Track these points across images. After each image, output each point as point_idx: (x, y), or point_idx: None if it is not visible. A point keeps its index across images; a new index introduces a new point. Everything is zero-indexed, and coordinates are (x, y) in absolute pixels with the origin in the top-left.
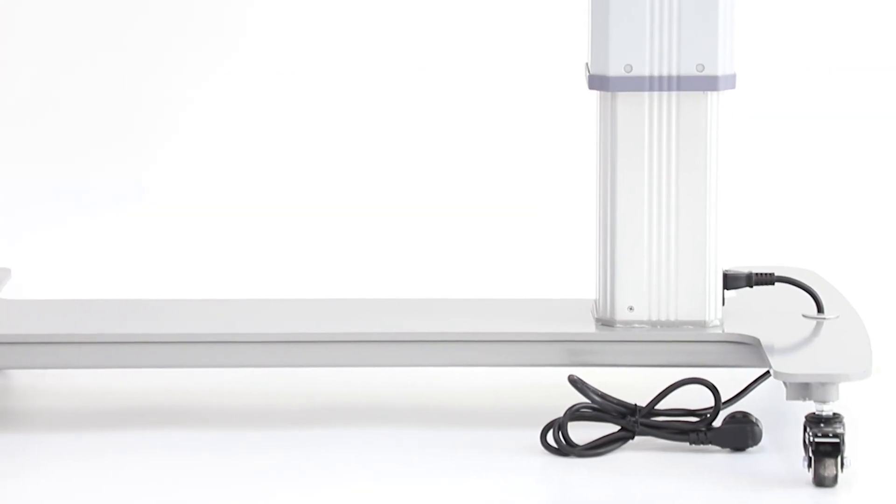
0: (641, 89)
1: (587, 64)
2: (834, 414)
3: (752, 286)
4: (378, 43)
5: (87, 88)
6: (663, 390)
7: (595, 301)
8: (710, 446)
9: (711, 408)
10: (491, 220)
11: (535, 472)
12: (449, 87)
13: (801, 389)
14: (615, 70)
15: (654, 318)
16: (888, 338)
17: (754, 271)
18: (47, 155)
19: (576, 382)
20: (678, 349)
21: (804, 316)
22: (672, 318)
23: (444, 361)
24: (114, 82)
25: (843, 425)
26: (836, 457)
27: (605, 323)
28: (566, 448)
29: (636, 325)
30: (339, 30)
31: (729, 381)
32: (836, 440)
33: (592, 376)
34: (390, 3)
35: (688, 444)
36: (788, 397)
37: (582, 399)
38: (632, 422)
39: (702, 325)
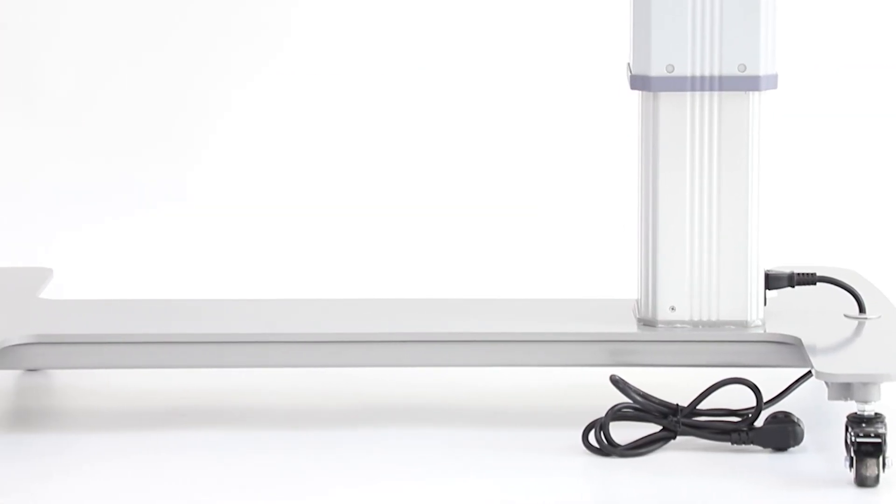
0: (683, 89)
1: (629, 64)
2: (876, 414)
3: (793, 286)
4: (378, 43)
5: (130, 90)
6: (705, 390)
7: (637, 301)
8: (751, 446)
9: (753, 408)
10: (491, 220)
11: (577, 472)
12: (449, 88)
13: (843, 389)
14: (657, 70)
15: (696, 319)
16: None
17: (796, 271)
18: (89, 155)
19: (617, 382)
20: (720, 349)
21: (846, 316)
22: (714, 319)
23: (487, 362)
24: (156, 83)
25: (885, 425)
26: (878, 457)
27: (647, 323)
28: (608, 448)
29: (678, 325)
30: (340, 30)
31: (771, 381)
32: (878, 440)
33: (634, 376)
34: (391, 3)
35: (729, 444)
36: (830, 397)
37: (624, 399)
38: (673, 422)
39: (743, 325)
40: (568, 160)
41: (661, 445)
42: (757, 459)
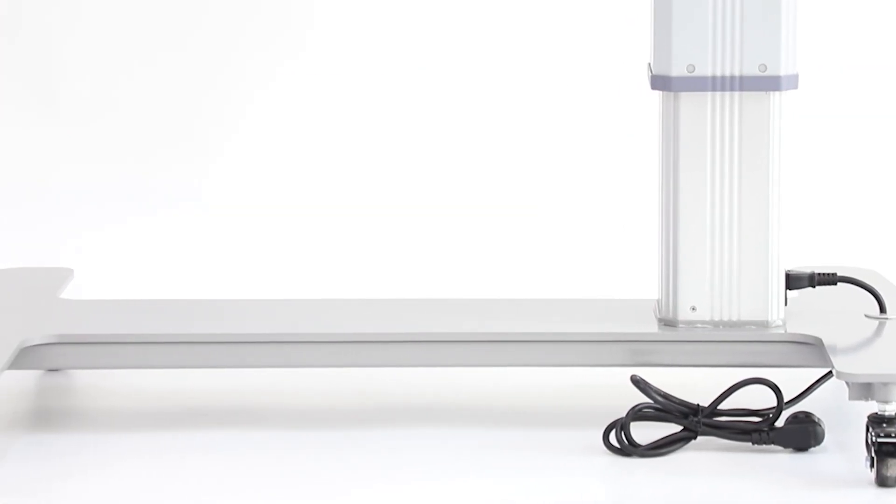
0: (704, 89)
1: (650, 64)
2: None
3: (814, 286)
4: (383, 44)
5: (149, 91)
6: (726, 390)
7: (657, 301)
8: (772, 446)
9: (774, 408)
10: (491, 220)
11: (598, 472)
12: (450, 88)
13: (864, 389)
14: (678, 70)
15: (717, 319)
16: None
17: (817, 271)
18: (109, 156)
19: (638, 382)
20: (740, 349)
21: (866, 316)
22: (734, 319)
23: (507, 362)
24: (175, 85)
25: None
26: None
27: (668, 323)
28: (629, 448)
29: (699, 326)
30: (342, 30)
31: (791, 381)
32: None
33: (655, 376)
34: (392, 3)
35: (750, 444)
36: (851, 397)
37: (644, 399)
38: (694, 422)
39: (764, 325)
40: (568, 160)
41: (682, 445)
42: (777, 460)
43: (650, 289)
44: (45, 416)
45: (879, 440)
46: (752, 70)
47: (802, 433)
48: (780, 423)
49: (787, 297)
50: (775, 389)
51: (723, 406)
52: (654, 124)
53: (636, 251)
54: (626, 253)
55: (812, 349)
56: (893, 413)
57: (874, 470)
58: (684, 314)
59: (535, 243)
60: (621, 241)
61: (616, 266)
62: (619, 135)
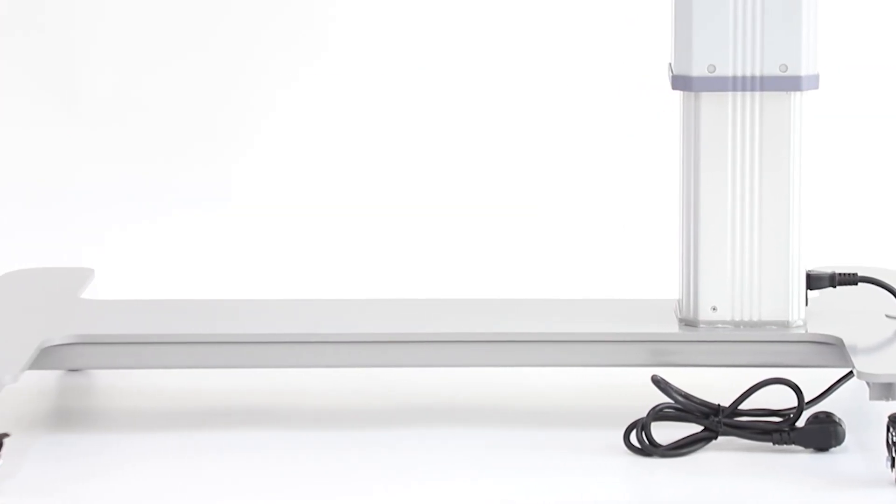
0: (724, 89)
1: (670, 64)
2: None
3: (835, 286)
4: (380, 43)
5: (172, 89)
6: (746, 390)
7: (678, 301)
8: (793, 446)
9: (794, 408)
10: (491, 220)
11: (619, 472)
12: (451, 88)
13: (885, 389)
14: (698, 70)
15: (738, 319)
16: None
17: (837, 271)
18: (131, 155)
19: (659, 382)
20: (761, 349)
21: (887, 316)
22: (755, 319)
23: (528, 361)
24: (198, 83)
25: None
26: None
27: (689, 323)
28: (649, 448)
29: (719, 326)
30: (345, 30)
31: (812, 381)
32: None
33: (675, 376)
34: (392, 3)
35: (771, 444)
36: (871, 397)
37: (665, 399)
38: (715, 422)
39: (785, 325)
40: (568, 160)
41: (703, 445)
42: (798, 460)
43: (651, 288)
44: (65, 417)
45: None
46: (772, 70)
47: (823, 433)
48: (800, 423)
49: (808, 297)
50: (796, 389)
51: (743, 406)
52: (653, 124)
53: (635, 251)
54: (627, 253)
55: (833, 349)
56: None
57: (895, 470)
58: (705, 314)
59: (535, 243)
60: (621, 241)
61: (616, 266)
62: (620, 135)
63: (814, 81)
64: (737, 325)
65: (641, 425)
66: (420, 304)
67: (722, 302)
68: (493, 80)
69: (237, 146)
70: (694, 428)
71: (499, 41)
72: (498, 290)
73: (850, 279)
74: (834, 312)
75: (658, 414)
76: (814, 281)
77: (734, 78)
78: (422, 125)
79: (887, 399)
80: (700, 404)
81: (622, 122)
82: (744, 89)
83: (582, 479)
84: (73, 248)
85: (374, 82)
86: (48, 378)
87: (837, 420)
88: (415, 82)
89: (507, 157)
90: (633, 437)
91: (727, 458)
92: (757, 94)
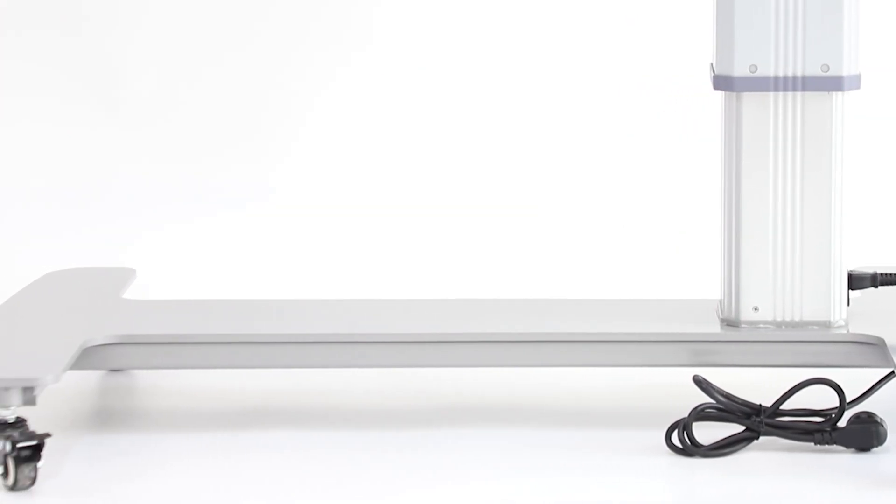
0: (766, 89)
1: (712, 64)
2: None
3: (876, 286)
4: (379, 43)
5: (213, 89)
6: (788, 390)
7: (720, 301)
8: (834, 446)
9: (836, 408)
10: (491, 220)
11: (660, 472)
12: (451, 88)
13: None
14: (740, 70)
15: (779, 319)
16: None
17: (879, 271)
18: (172, 155)
19: (701, 383)
20: (803, 349)
21: None
22: (797, 319)
23: (570, 362)
24: (239, 83)
25: None
26: None
27: (730, 323)
28: (691, 448)
29: (761, 326)
30: (347, 29)
31: (854, 381)
32: None
33: (717, 376)
34: (393, 3)
35: (812, 444)
36: None
37: (707, 399)
38: (756, 422)
39: (826, 325)
40: (568, 160)
41: (745, 446)
42: (840, 460)
43: (652, 288)
44: (106, 417)
45: None
46: (814, 70)
47: (865, 433)
48: (842, 423)
49: (850, 297)
50: (838, 389)
51: (785, 406)
52: (653, 124)
53: (636, 251)
54: (627, 253)
55: (874, 349)
56: None
57: None
58: (747, 314)
59: (535, 243)
60: (621, 241)
61: (617, 265)
62: (620, 135)
63: (855, 81)
64: (778, 325)
65: (683, 425)
66: (459, 305)
67: (763, 302)
68: (493, 81)
69: (277, 146)
70: (735, 428)
71: (499, 41)
72: (498, 290)
73: (892, 279)
74: (876, 312)
75: (700, 414)
76: (856, 281)
77: (776, 78)
78: (422, 125)
79: None
80: (742, 404)
81: (622, 122)
82: (785, 89)
83: (623, 480)
84: (115, 249)
85: (374, 82)
86: (90, 378)
87: (879, 420)
88: (414, 82)
89: (507, 157)
90: (674, 438)
91: (769, 458)
92: (798, 94)
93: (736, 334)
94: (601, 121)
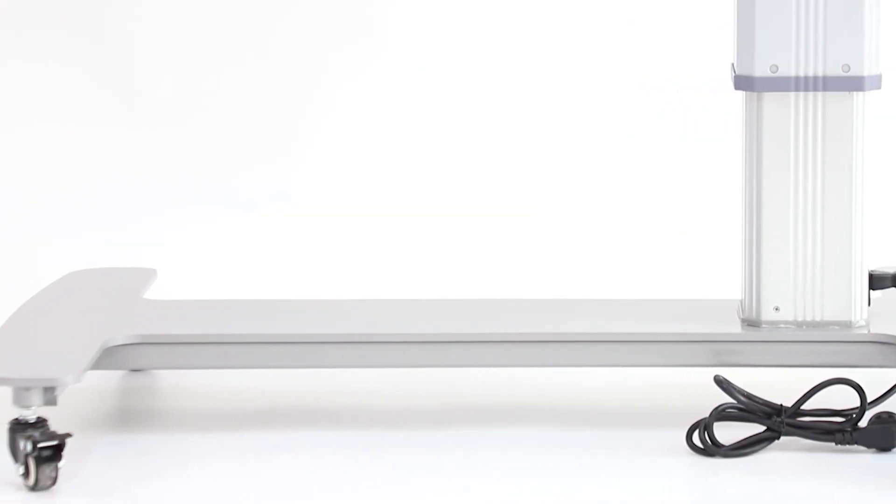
0: (787, 90)
1: (733, 64)
2: None
3: None
4: (379, 43)
5: (233, 90)
6: (809, 390)
7: (741, 301)
8: (855, 446)
9: (857, 408)
10: (491, 220)
11: (681, 472)
12: (450, 88)
13: None
14: (761, 70)
15: (800, 319)
16: None
17: None
18: (192, 156)
19: (721, 383)
20: (824, 349)
21: None
22: (818, 319)
23: (590, 362)
24: (260, 83)
25: None
26: None
27: (751, 323)
28: (712, 448)
29: (782, 326)
30: (348, 29)
31: (875, 381)
32: None
33: (738, 376)
34: (393, 3)
35: (833, 444)
36: None
37: (728, 399)
38: (777, 422)
39: (847, 325)
40: (568, 160)
41: (765, 446)
42: (861, 460)
43: (651, 289)
44: (127, 417)
45: None
46: (835, 70)
47: (886, 433)
48: (863, 423)
49: (871, 297)
50: (858, 389)
51: (806, 406)
52: (653, 124)
53: (636, 251)
54: (627, 252)
55: (895, 350)
56: None
57: None
58: (767, 314)
59: (535, 243)
60: (622, 241)
61: (617, 265)
62: (620, 135)
63: (876, 82)
64: (799, 325)
65: (704, 425)
66: (473, 305)
67: (784, 302)
68: (493, 81)
69: (297, 147)
70: (756, 428)
71: (499, 42)
72: (498, 290)
73: None
74: None
75: (721, 414)
76: (876, 281)
77: (797, 78)
78: (421, 125)
79: None
80: (762, 404)
81: (622, 122)
82: (806, 89)
83: (644, 479)
84: (136, 249)
85: (375, 83)
86: (110, 378)
87: None
88: (414, 82)
89: (507, 157)
90: (695, 438)
91: (789, 458)
92: (819, 94)
93: (757, 334)
94: (601, 121)
